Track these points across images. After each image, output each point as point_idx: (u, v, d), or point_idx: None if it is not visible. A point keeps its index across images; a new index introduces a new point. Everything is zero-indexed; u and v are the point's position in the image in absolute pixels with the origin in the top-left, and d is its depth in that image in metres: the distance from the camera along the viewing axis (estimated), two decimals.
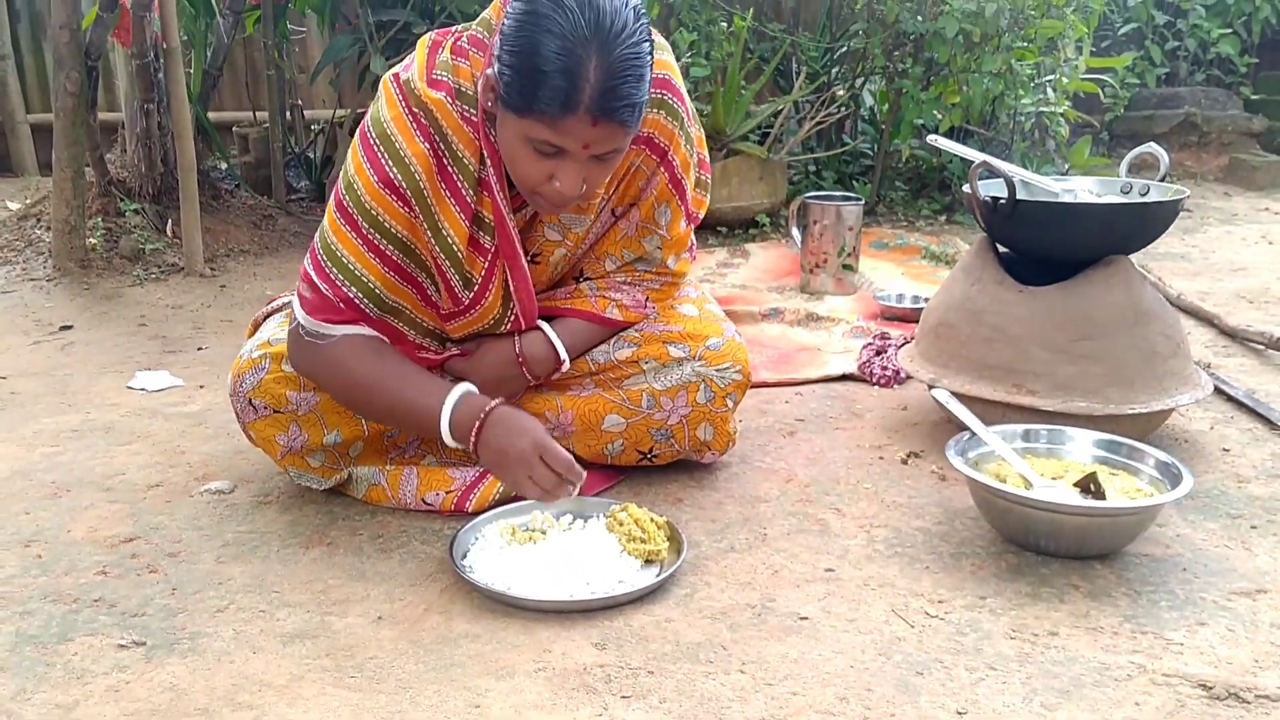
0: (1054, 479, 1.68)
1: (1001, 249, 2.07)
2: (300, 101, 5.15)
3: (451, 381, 1.64)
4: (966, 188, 2.00)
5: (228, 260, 3.66)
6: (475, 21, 1.63)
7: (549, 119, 1.39)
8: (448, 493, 1.75)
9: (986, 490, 1.60)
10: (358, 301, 1.61)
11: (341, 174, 1.62)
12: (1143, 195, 2.09)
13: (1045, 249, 2.00)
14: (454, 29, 1.64)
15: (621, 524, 1.60)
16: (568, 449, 1.76)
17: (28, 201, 4.20)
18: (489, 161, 1.58)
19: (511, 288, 1.69)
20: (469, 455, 1.81)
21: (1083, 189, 2.14)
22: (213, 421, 2.20)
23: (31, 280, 3.37)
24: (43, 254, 3.57)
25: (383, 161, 1.55)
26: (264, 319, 1.85)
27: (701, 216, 1.88)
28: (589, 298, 1.79)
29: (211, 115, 4.54)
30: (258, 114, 5.15)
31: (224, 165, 4.87)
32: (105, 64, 4.21)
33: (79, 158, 3.35)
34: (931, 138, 2.23)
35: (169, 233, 3.65)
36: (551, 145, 1.43)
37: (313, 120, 5.33)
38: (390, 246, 1.60)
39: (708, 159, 1.87)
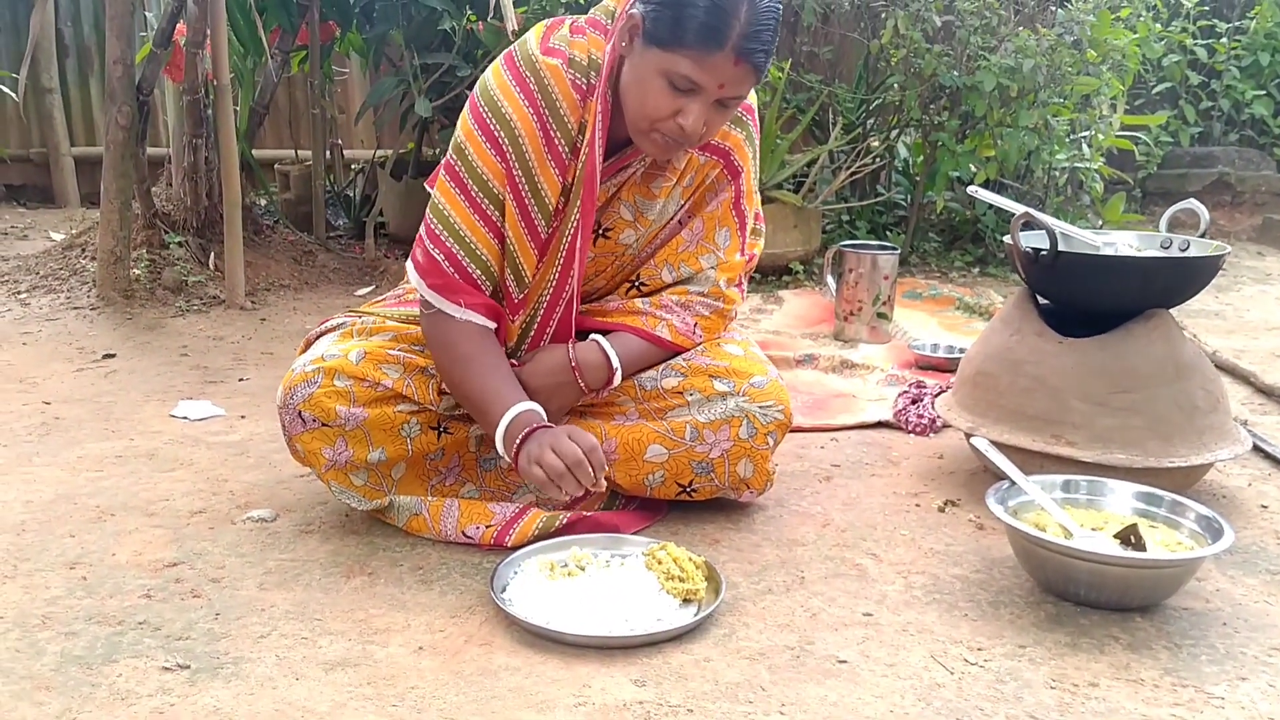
0: (1094, 530, 1.67)
1: (1041, 300, 2.08)
2: (340, 141, 5.24)
3: (520, 395, 1.69)
4: (1007, 238, 2.01)
5: (268, 294, 3.71)
6: (595, 8, 1.74)
7: (696, 53, 1.50)
8: (488, 527, 1.77)
9: (1027, 539, 1.60)
10: (456, 252, 1.69)
11: (452, 142, 1.72)
12: (1183, 251, 2.09)
13: (1086, 301, 2.00)
14: (568, 17, 1.75)
15: (660, 562, 1.61)
16: (608, 479, 1.78)
17: (73, 232, 4.28)
18: (593, 124, 1.65)
19: (566, 247, 1.73)
20: (506, 486, 1.87)
21: (1123, 243, 2.15)
22: (254, 451, 2.23)
23: (75, 309, 3.43)
24: (87, 283, 3.63)
25: (488, 122, 1.66)
26: (316, 338, 1.88)
27: (756, 260, 1.93)
28: (640, 315, 1.82)
29: (254, 152, 4.62)
30: (299, 152, 5.24)
31: (264, 201, 4.95)
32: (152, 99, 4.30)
33: (127, 190, 3.41)
34: (972, 189, 2.24)
35: (211, 265, 3.71)
36: (690, 81, 1.53)
37: (352, 160, 5.42)
38: (492, 208, 1.70)
39: (761, 211, 1.92)
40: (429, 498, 1.81)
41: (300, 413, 1.71)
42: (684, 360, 1.84)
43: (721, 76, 1.52)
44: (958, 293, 3.85)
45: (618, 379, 1.80)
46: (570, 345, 1.79)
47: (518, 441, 1.62)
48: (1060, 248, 1.93)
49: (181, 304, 3.49)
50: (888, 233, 4.74)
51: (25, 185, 6.20)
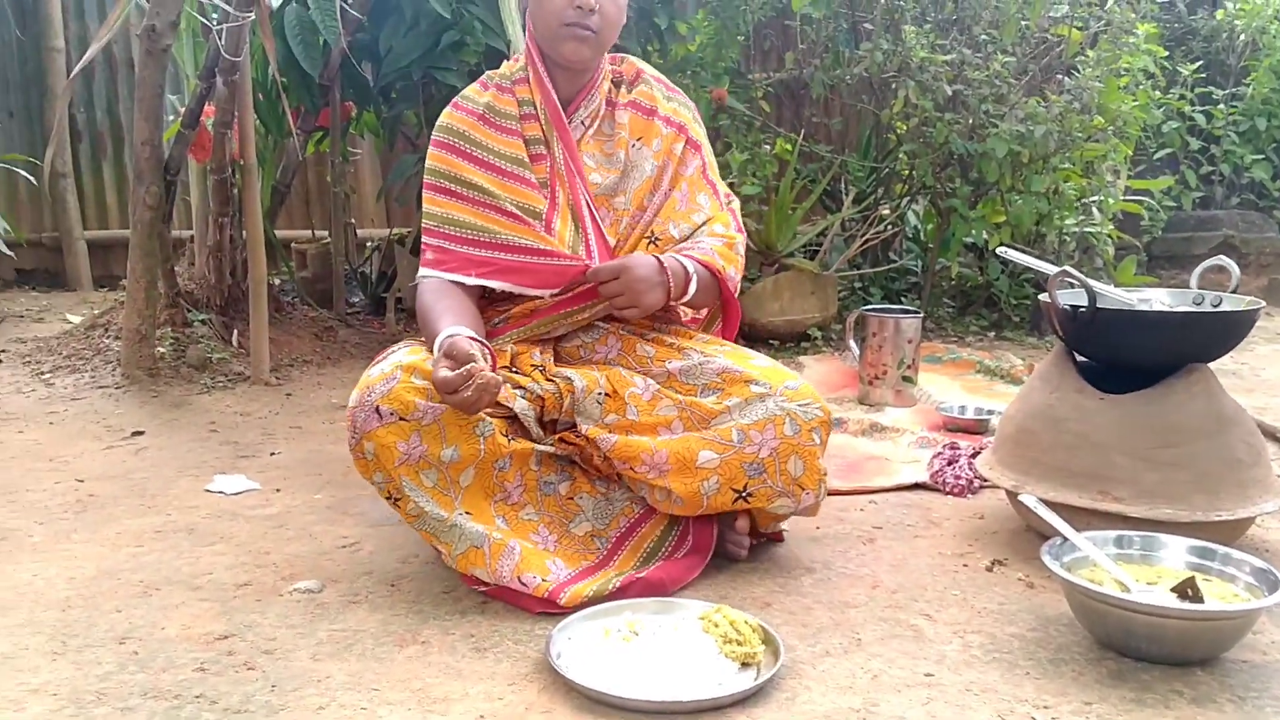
0: (1149, 584, 1.67)
1: (1078, 357, 2.10)
2: (354, 220, 5.29)
3: (458, 324, 1.84)
4: (1043, 297, 2.03)
5: (291, 370, 3.72)
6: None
7: None
8: (544, 580, 1.76)
9: (1085, 594, 1.59)
10: (450, 231, 1.99)
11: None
12: (1216, 306, 2.11)
13: (1125, 357, 2.02)
14: None
15: (717, 625, 1.59)
16: (663, 487, 1.84)
17: (94, 312, 4.31)
18: (533, 73, 2.05)
19: (565, 170, 2.03)
20: (564, 514, 1.92)
21: (1156, 300, 2.17)
22: (293, 524, 2.22)
23: (101, 387, 3.44)
24: (110, 362, 3.64)
25: (437, 136, 2.05)
26: (384, 357, 1.92)
27: (739, 213, 2.20)
28: (671, 253, 2.03)
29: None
30: (315, 231, 5.29)
31: (278, 281, 4.98)
32: None
33: (153, 269, 3.44)
34: (1001, 249, 2.27)
35: (235, 343, 3.73)
36: None
37: (366, 238, 5.47)
38: (467, 190, 2.00)
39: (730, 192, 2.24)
40: (494, 532, 1.80)
41: (378, 407, 1.74)
42: (718, 376, 1.91)
43: None
44: (977, 356, 3.86)
45: (694, 285, 1.98)
46: (655, 255, 1.99)
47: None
48: (1098, 305, 1.95)
49: (207, 381, 3.50)
50: (902, 299, 4.78)
51: (37, 270, 6.24)
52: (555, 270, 1.95)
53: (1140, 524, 1.86)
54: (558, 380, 1.91)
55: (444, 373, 1.69)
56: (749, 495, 1.87)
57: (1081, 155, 4.19)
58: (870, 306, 3.48)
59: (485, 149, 2.02)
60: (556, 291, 1.98)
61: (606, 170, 2.07)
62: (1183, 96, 5.68)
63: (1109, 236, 4.52)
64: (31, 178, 5.33)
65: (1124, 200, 4.64)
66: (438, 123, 2.07)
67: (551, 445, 1.91)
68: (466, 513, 1.81)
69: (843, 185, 4.92)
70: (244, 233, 3.61)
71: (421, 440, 1.76)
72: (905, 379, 3.24)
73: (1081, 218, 4.46)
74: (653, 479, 1.85)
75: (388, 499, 1.80)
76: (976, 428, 2.93)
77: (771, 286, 4.11)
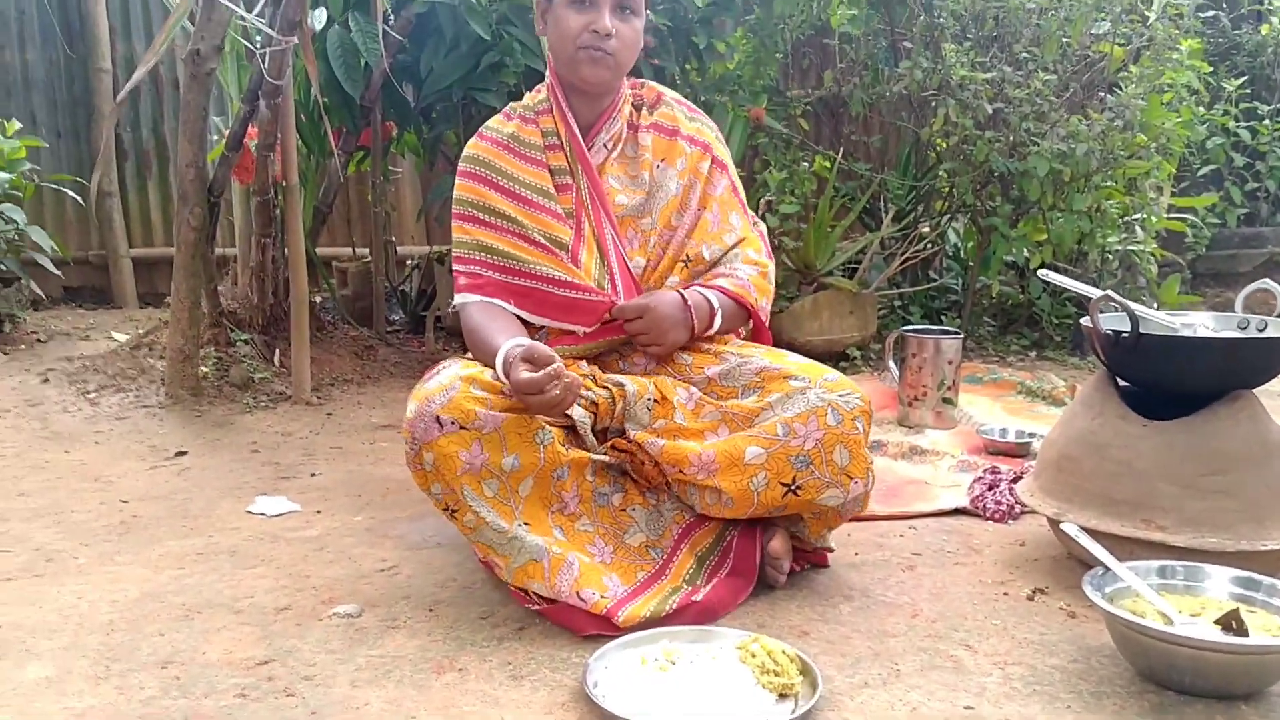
0: (1192, 616, 1.64)
1: (1121, 382, 2.07)
2: (394, 238, 5.33)
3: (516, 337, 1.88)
4: (1085, 321, 2.01)
5: (332, 389, 3.75)
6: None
7: None
8: (602, 597, 1.77)
9: (1127, 626, 1.57)
10: (483, 258, 2.02)
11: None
12: (1261, 330, 2.08)
13: (1168, 383, 1.99)
14: None
15: (754, 655, 1.59)
16: (713, 487, 1.87)
17: (139, 331, 4.37)
18: (554, 103, 2.08)
19: (597, 227, 2.06)
20: (618, 525, 1.94)
21: (1200, 324, 2.14)
22: (333, 546, 2.24)
23: (145, 407, 3.48)
24: (155, 381, 3.69)
25: (464, 166, 2.09)
26: (435, 373, 1.94)
27: (766, 234, 2.26)
28: (698, 285, 2.07)
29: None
30: (355, 249, 5.34)
31: (319, 299, 5.03)
32: None
33: (196, 290, 3.49)
34: (1043, 272, 2.25)
35: (276, 362, 3.77)
36: None
37: (405, 256, 5.51)
38: (495, 219, 2.03)
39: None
40: (553, 545, 1.81)
41: (439, 417, 1.76)
42: (755, 375, 1.95)
43: None
44: (1018, 376, 3.82)
45: (718, 319, 2.03)
46: (679, 291, 2.03)
47: (507, 371, 1.79)
48: (1141, 330, 1.93)
49: (249, 400, 3.54)
50: (941, 317, 4.75)
51: (84, 287, 6.32)
52: (587, 305, 1.99)
53: (1184, 553, 1.83)
54: (610, 386, 1.94)
55: (527, 374, 1.72)
56: (798, 489, 1.87)
57: (1124, 173, 4.14)
58: (910, 327, 3.46)
59: (511, 178, 2.05)
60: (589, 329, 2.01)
61: (632, 191, 2.10)
62: (1227, 112, 5.60)
63: (1152, 254, 4.47)
64: (79, 198, 5.40)
65: (1167, 218, 4.58)
66: (463, 153, 2.12)
67: (605, 454, 1.93)
68: (526, 524, 1.82)
69: (882, 203, 4.90)
70: (286, 252, 3.65)
71: (483, 449, 1.78)
72: (945, 400, 3.22)
73: (1124, 235, 4.41)
74: (702, 480, 1.87)
75: (444, 510, 1.82)
76: (1017, 451, 2.90)
77: (810, 306, 4.09)
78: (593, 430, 1.92)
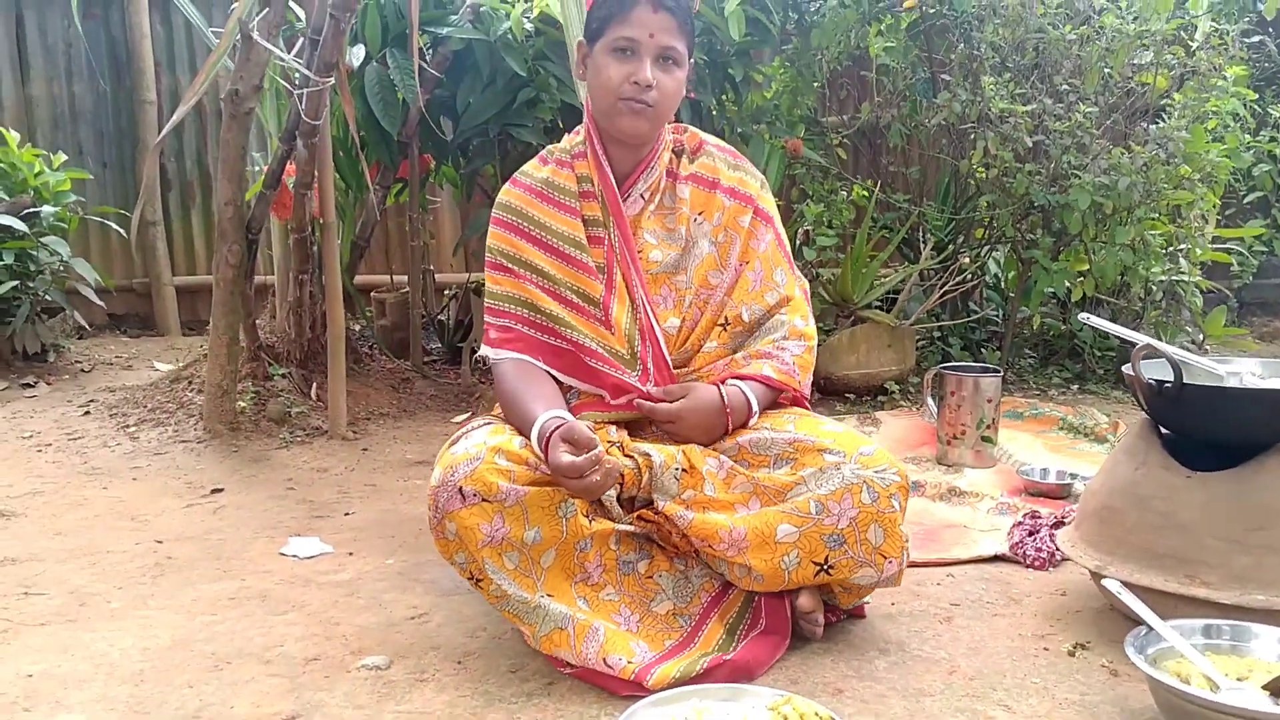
0: (1239, 679, 1.59)
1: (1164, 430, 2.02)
2: (432, 267, 5.36)
3: (553, 407, 1.85)
4: (1127, 368, 1.97)
5: (368, 423, 3.76)
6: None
7: (621, 16, 1.90)
8: (629, 662, 1.75)
9: (1171, 693, 1.52)
10: (516, 311, 2.01)
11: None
12: None
13: (1213, 433, 1.94)
14: None
15: (786, 718, 1.56)
16: (743, 565, 1.84)
17: (179, 364, 4.40)
18: (592, 148, 2.04)
19: (628, 282, 2.02)
20: (645, 592, 1.91)
21: (1246, 371, 2.09)
22: (364, 591, 2.23)
23: (183, 442, 3.50)
24: (193, 416, 3.71)
25: (498, 215, 2.07)
26: (465, 433, 1.95)
27: (808, 290, 2.19)
28: (744, 368, 2.02)
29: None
30: (394, 278, 5.36)
31: (358, 328, 5.05)
32: None
33: (234, 325, 3.51)
34: (1083, 316, 2.21)
35: (313, 396, 3.78)
36: (627, 40, 1.91)
37: (444, 284, 5.53)
38: (521, 269, 2.02)
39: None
40: (577, 613, 1.79)
41: (461, 488, 1.75)
42: (789, 445, 1.90)
43: (649, 26, 1.90)
44: (1060, 411, 3.76)
45: (755, 418, 1.98)
46: (720, 388, 1.97)
47: (545, 445, 1.77)
48: (1184, 379, 1.88)
49: (285, 435, 3.55)
50: (982, 349, 4.69)
51: (128, 314, 6.41)
52: (613, 381, 1.97)
53: (1230, 611, 1.78)
54: (636, 456, 1.90)
55: (568, 458, 1.70)
56: (830, 568, 1.84)
57: (1168, 204, 4.07)
58: (948, 364, 3.41)
59: (544, 228, 2.03)
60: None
61: (668, 246, 2.06)
62: (1273, 139, 5.51)
63: (1196, 285, 4.39)
64: (123, 230, 5.48)
65: (1212, 249, 4.51)
66: (497, 200, 2.10)
67: (630, 524, 1.90)
68: (549, 594, 1.80)
69: (921, 234, 4.86)
70: (323, 288, 3.67)
71: (505, 522, 1.76)
72: (985, 439, 3.17)
73: (1168, 266, 4.33)
74: (732, 556, 1.84)
75: (470, 579, 1.81)
76: (1059, 493, 2.85)
77: (848, 340, 4.06)
78: (618, 499, 1.90)
